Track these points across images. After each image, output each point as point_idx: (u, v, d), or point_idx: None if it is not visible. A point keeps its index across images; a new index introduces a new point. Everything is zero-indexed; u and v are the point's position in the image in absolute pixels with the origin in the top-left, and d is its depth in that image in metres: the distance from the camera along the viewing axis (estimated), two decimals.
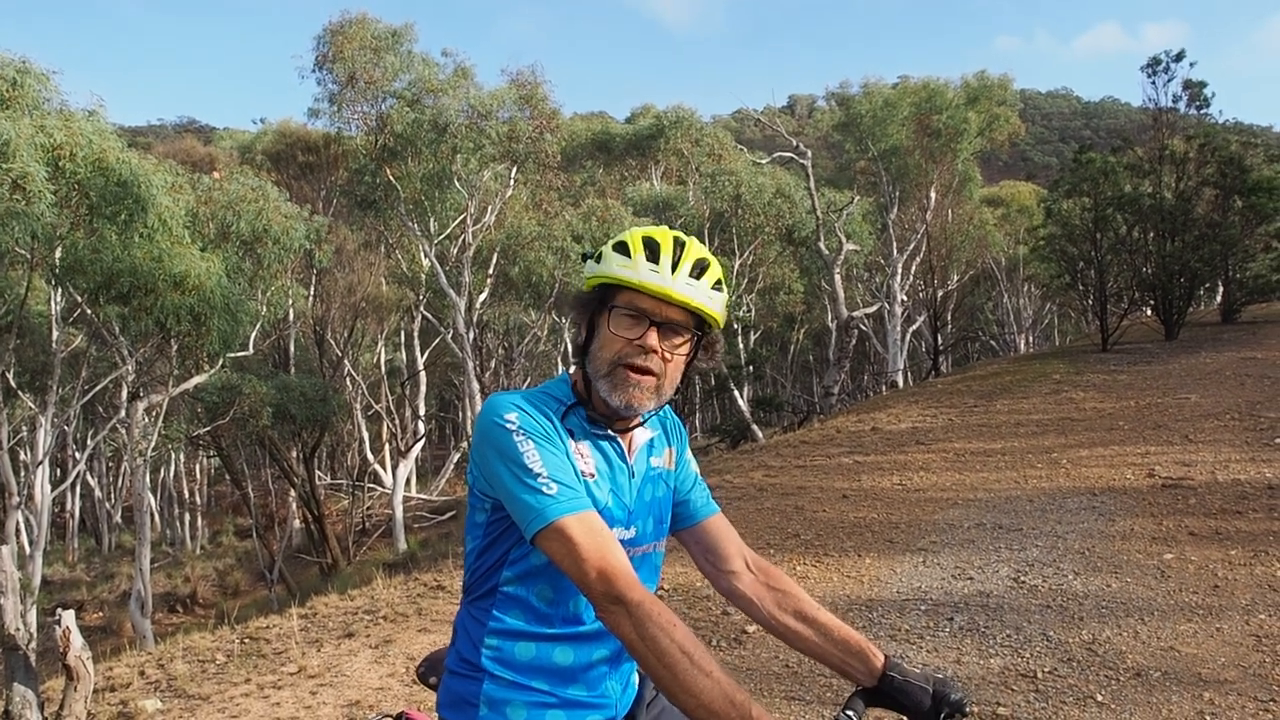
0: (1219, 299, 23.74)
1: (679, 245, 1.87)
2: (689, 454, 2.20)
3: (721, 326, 1.95)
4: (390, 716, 2.55)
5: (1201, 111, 20.30)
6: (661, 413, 2.13)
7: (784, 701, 4.90)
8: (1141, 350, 18.36)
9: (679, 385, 1.95)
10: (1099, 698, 4.59)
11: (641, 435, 2.02)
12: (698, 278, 1.85)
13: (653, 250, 1.85)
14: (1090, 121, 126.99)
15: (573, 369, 2.00)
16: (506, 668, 1.88)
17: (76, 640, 4.69)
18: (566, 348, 32.63)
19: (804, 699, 4.85)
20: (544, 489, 1.75)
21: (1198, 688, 4.60)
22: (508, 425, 1.81)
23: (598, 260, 1.91)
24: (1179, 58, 20.12)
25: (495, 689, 1.87)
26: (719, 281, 1.90)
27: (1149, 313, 21.23)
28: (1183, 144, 20.00)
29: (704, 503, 2.15)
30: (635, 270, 1.83)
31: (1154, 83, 20.42)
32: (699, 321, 1.90)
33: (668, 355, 1.86)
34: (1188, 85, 20.28)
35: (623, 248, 1.87)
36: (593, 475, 1.89)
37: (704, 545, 2.12)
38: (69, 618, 4.73)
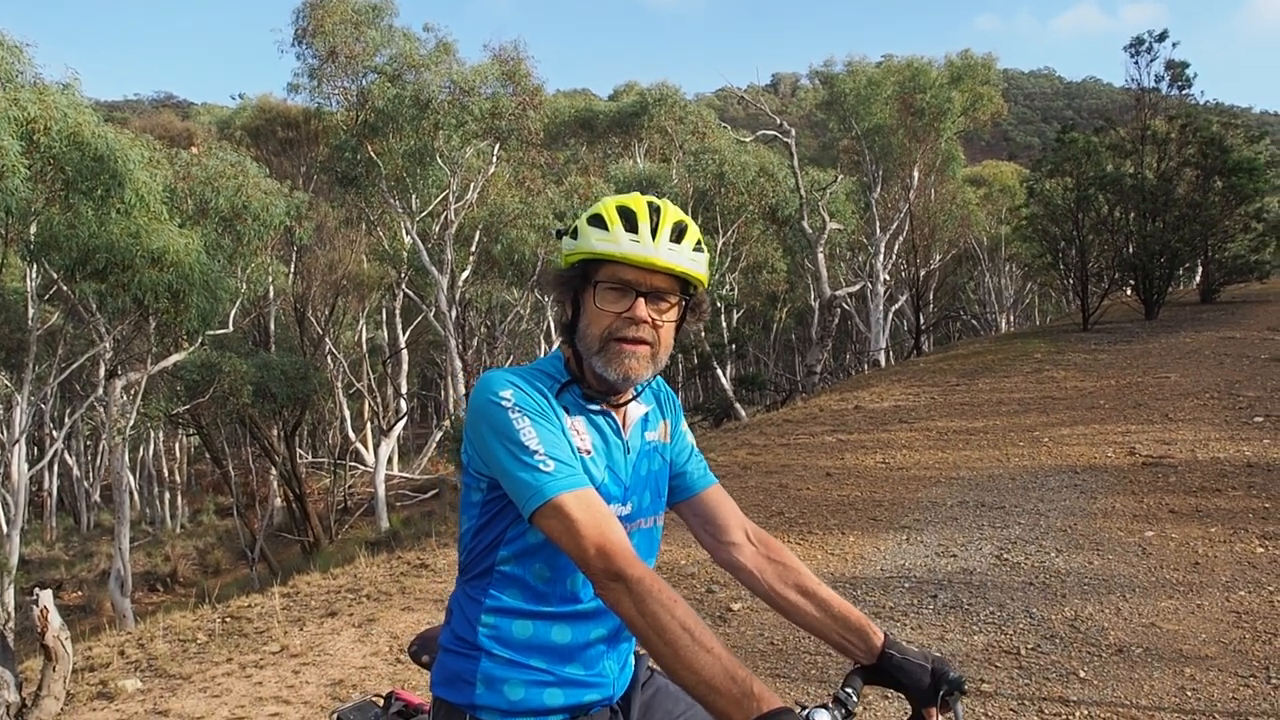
0: (1198, 279, 23.86)
1: (655, 211, 1.83)
2: (684, 426, 2.17)
3: (706, 286, 1.93)
4: (379, 696, 2.53)
5: (1183, 92, 20.31)
6: (655, 385, 2.11)
7: (769, 679, 4.90)
8: (1122, 330, 18.45)
9: (672, 350, 1.93)
10: (1081, 674, 4.61)
11: (636, 410, 2.00)
12: (678, 241, 1.82)
13: (629, 219, 1.81)
14: (1072, 102, 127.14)
15: (563, 346, 1.97)
16: (504, 646, 1.86)
17: (55, 620, 4.64)
18: (549, 326, 32.53)
19: (789, 676, 4.85)
20: (541, 466, 1.73)
21: (1179, 664, 4.63)
22: (503, 403, 1.79)
23: (574, 236, 1.87)
24: (1162, 38, 20.11)
25: (493, 666, 1.85)
26: (699, 242, 1.87)
27: (1129, 292, 21.31)
28: (1164, 124, 20.04)
29: (701, 474, 2.13)
30: (615, 242, 1.80)
31: (1136, 63, 20.40)
32: (684, 285, 1.88)
33: (659, 323, 1.84)
34: (1170, 66, 20.28)
35: (598, 220, 1.84)
36: (589, 452, 1.86)
37: (703, 517, 2.10)
38: (46, 597, 4.67)
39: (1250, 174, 19.17)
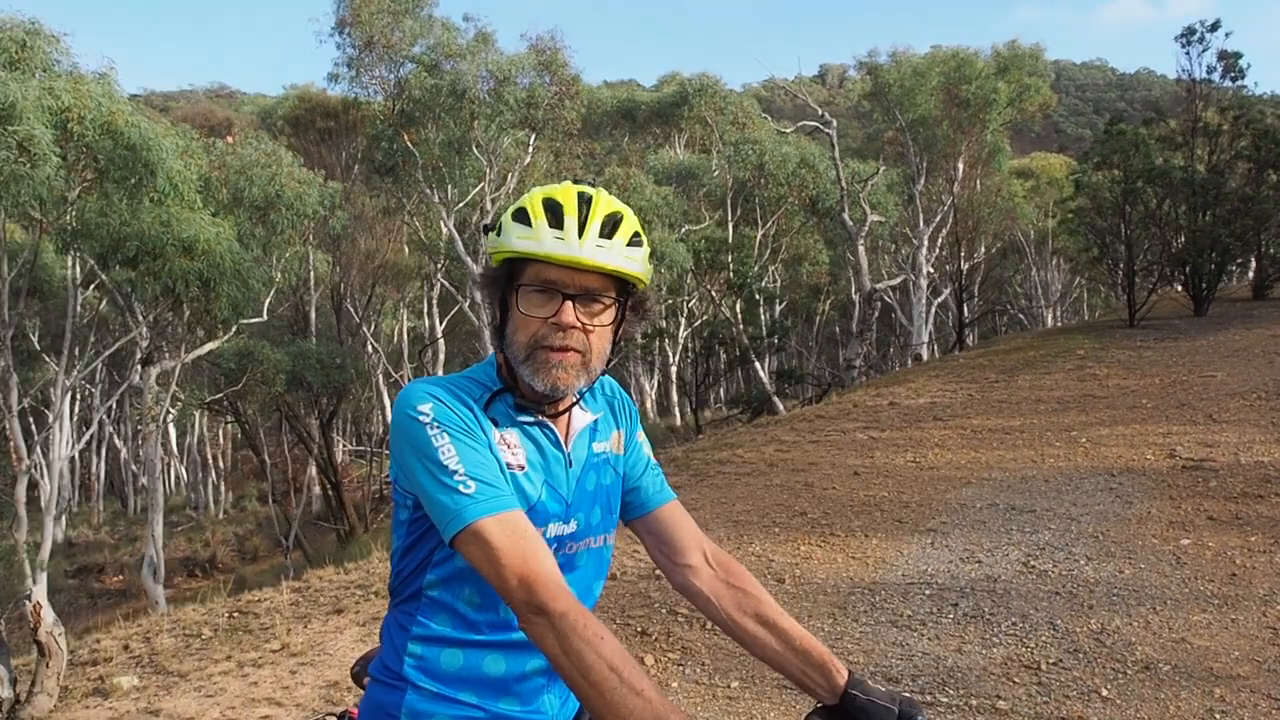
0: (1250, 274, 23.21)
1: (585, 202, 1.66)
2: (641, 436, 2.00)
3: (646, 284, 1.75)
4: (333, 715, 2.42)
5: (1236, 83, 19.71)
6: (609, 392, 1.95)
7: (775, 690, 4.74)
8: (1169, 326, 17.96)
9: (609, 356, 1.76)
10: (1104, 692, 4.40)
11: (581, 418, 1.83)
12: (609, 236, 1.65)
13: (555, 213, 1.64)
14: (1125, 94, 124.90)
15: (497, 352, 1.81)
16: (431, 678, 1.71)
17: (48, 616, 4.59)
18: None
19: (794, 688, 4.68)
20: (460, 488, 1.58)
21: (1208, 683, 4.40)
22: (420, 418, 1.64)
23: (498, 232, 1.70)
24: (1214, 28, 19.52)
25: (418, 700, 1.71)
26: (636, 234, 1.70)
27: (1178, 288, 20.76)
28: (1216, 116, 19.47)
29: (657, 490, 1.95)
30: (538, 239, 1.63)
31: (1188, 53, 19.81)
32: (620, 284, 1.71)
33: (589, 328, 1.67)
34: (1222, 56, 19.67)
35: (522, 215, 1.66)
36: (522, 467, 1.71)
37: (658, 536, 1.93)
38: (39, 593, 4.63)
39: None
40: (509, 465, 1.69)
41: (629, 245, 1.68)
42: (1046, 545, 6.58)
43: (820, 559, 6.77)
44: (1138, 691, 4.38)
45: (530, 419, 1.75)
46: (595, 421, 1.87)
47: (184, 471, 39.33)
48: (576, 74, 21.93)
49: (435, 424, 1.63)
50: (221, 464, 39.12)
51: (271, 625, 5.80)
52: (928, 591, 5.91)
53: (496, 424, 1.72)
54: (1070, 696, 4.39)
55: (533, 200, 1.68)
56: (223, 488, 37.69)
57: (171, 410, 17.03)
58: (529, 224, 1.65)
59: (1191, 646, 4.81)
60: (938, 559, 6.53)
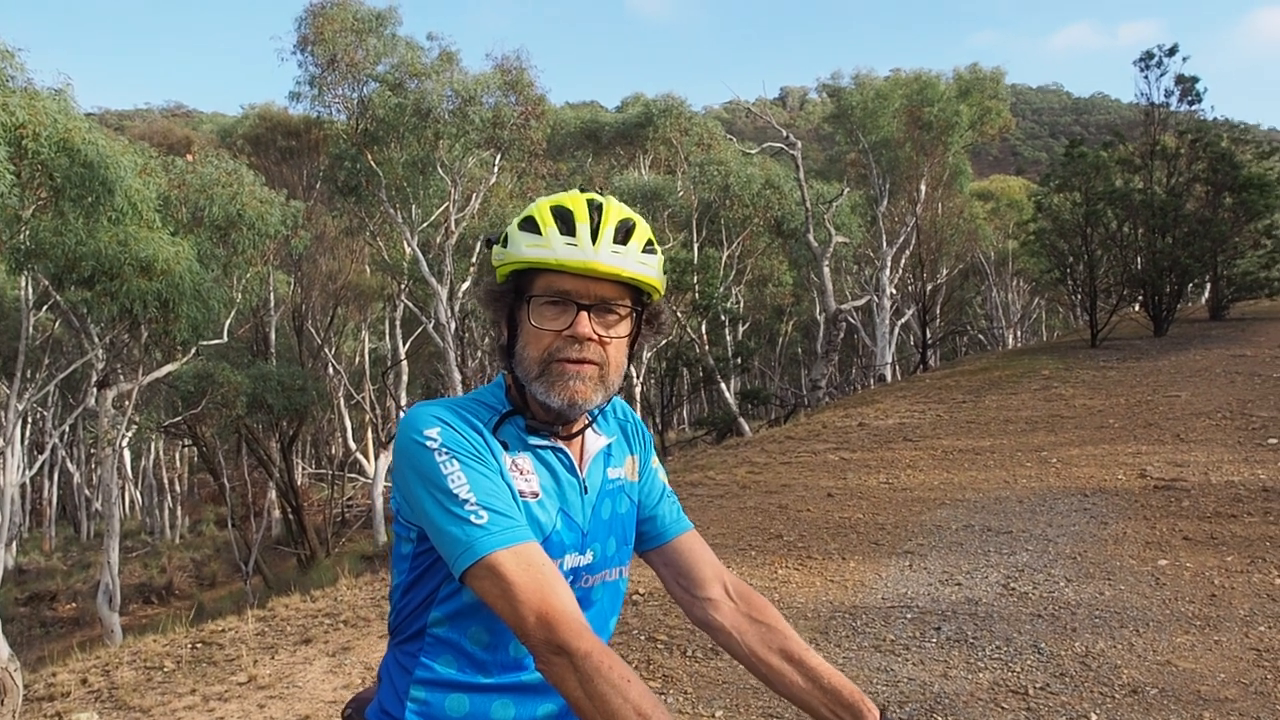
0: (1205, 295, 23.57)
1: (595, 209, 1.57)
2: (655, 462, 1.89)
3: (662, 293, 1.67)
4: None
5: (1194, 107, 20.03)
6: (621, 415, 1.84)
7: (761, 718, 4.62)
8: (1131, 346, 18.15)
9: (625, 370, 1.66)
10: (1093, 717, 4.33)
11: (595, 442, 1.73)
12: (624, 242, 1.56)
13: (565, 220, 1.55)
14: (1080, 117, 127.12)
15: (505, 372, 1.70)
16: None
17: (2, 651, 4.39)
18: None
19: (783, 716, 4.57)
20: (472, 518, 1.47)
21: (1196, 706, 4.35)
22: (428, 443, 1.53)
23: (504, 244, 1.61)
24: (1172, 52, 19.84)
25: None
26: (650, 242, 1.61)
27: (1136, 308, 21.01)
28: (1174, 139, 19.77)
29: (674, 518, 1.85)
30: (550, 247, 1.54)
31: (1146, 77, 20.12)
32: (635, 293, 1.62)
33: (606, 339, 1.58)
34: (1180, 80, 19.99)
35: (530, 224, 1.57)
36: (536, 494, 1.60)
37: (675, 568, 1.82)
38: None
39: (1261, 190, 18.90)
40: (522, 493, 1.58)
41: (644, 252, 1.59)
42: (1025, 567, 6.53)
43: (799, 582, 6.68)
44: (1127, 716, 4.32)
45: (543, 442, 1.65)
46: (609, 445, 1.77)
47: (139, 495, 38.60)
48: (542, 94, 21.89)
49: (444, 449, 1.52)
50: (178, 488, 38.47)
51: (237, 656, 5.60)
52: (909, 615, 5.83)
53: (507, 448, 1.61)
54: None
55: (540, 209, 1.58)
56: (179, 512, 37.02)
57: (127, 434, 16.67)
58: (539, 232, 1.56)
59: (1177, 669, 4.76)
60: (917, 581, 6.46)
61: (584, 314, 1.55)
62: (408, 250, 23.10)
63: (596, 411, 1.71)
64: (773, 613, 1.78)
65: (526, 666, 1.61)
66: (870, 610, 5.98)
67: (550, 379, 1.56)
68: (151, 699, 5.01)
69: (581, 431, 1.70)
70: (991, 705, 4.54)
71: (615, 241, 1.55)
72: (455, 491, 1.48)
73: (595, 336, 1.56)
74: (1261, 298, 21.56)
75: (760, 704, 4.71)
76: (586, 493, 1.68)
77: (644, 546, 1.84)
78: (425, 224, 22.66)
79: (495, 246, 1.63)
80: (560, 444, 1.66)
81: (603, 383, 1.60)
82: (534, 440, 1.64)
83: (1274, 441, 9.62)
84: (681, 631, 5.77)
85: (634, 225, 1.59)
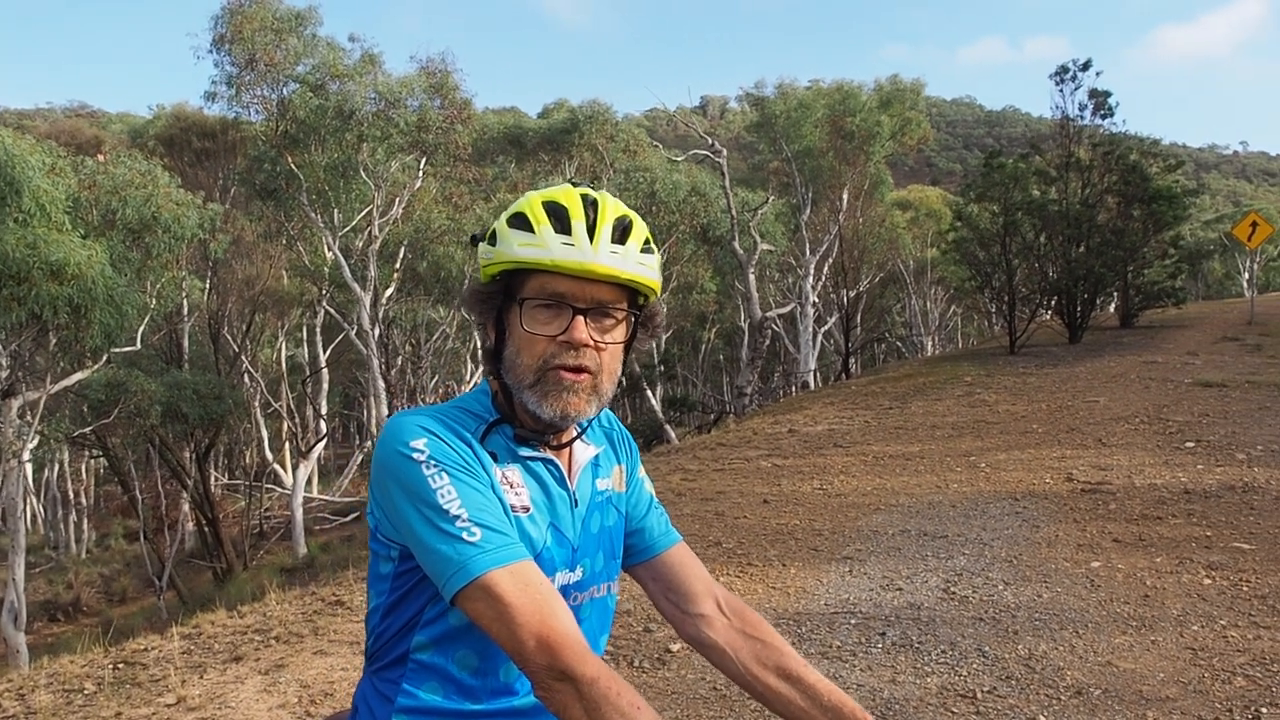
0: (1114, 304, 24.29)
1: (591, 205, 1.48)
2: (642, 472, 1.81)
3: (660, 295, 1.58)
4: None
5: (1107, 120, 20.65)
6: (607, 424, 1.75)
7: None
8: (1048, 353, 18.59)
9: (620, 377, 1.58)
10: (1042, 719, 4.35)
11: (583, 453, 1.64)
12: (621, 242, 1.48)
13: (560, 217, 1.46)
14: (993, 130, 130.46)
15: (490, 377, 1.60)
16: None
17: None
18: (476, 345, 31.97)
19: None
20: (465, 535, 1.37)
21: (1140, 707, 4.40)
22: (415, 455, 1.42)
23: (492, 241, 1.50)
24: (1086, 66, 20.43)
25: None
26: (648, 240, 1.53)
27: (1048, 315, 21.55)
28: (1088, 152, 20.36)
29: (663, 531, 1.77)
30: (545, 247, 1.44)
31: (1061, 90, 20.70)
32: (632, 295, 1.53)
33: (602, 345, 1.49)
34: (1093, 94, 20.60)
35: (521, 221, 1.47)
36: (527, 509, 1.50)
37: (665, 583, 1.73)
38: None
39: (1170, 202, 19.58)
40: (512, 507, 1.49)
41: (642, 252, 1.50)
42: (964, 571, 6.59)
43: (741, 590, 6.64)
44: (1074, 717, 4.35)
45: (533, 453, 1.55)
46: (597, 456, 1.68)
47: (41, 509, 37.19)
48: (468, 98, 21.69)
49: (432, 462, 1.42)
50: (84, 500, 37.12)
51: (163, 677, 5.35)
52: (853, 621, 5.83)
53: (496, 459, 1.51)
54: None
55: (532, 204, 1.48)
56: (85, 525, 35.73)
57: (30, 445, 16.01)
58: (531, 230, 1.46)
59: (1118, 670, 4.82)
60: (858, 587, 6.47)
61: (580, 318, 1.46)
62: (329, 255, 22.68)
63: (587, 421, 1.62)
64: (767, 628, 1.70)
65: (518, 691, 1.52)
66: (814, 617, 5.96)
67: (544, 389, 1.47)
68: None
69: (571, 442, 1.61)
70: (941, 710, 4.54)
71: (613, 240, 1.47)
72: (445, 507, 1.39)
73: (591, 342, 1.47)
74: (1168, 306, 22.28)
75: (712, 713, 4.65)
76: (577, 506, 1.59)
77: (631, 560, 1.75)
78: (347, 228, 22.28)
79: (481, 244, 1.53)
80: (551, 455, 1.58)
81: (596, 393, 1.51)
82: (524, 451, 1.55)
83: (1191, 445, 9.90)
84: (627, 641, 5.68)
85: (631, 223, 1.51)
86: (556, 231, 1.45)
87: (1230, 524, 7.22)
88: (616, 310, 1.51)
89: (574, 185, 1.54)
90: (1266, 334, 19.30)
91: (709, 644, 1.69)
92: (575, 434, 1.62)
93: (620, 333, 1.53)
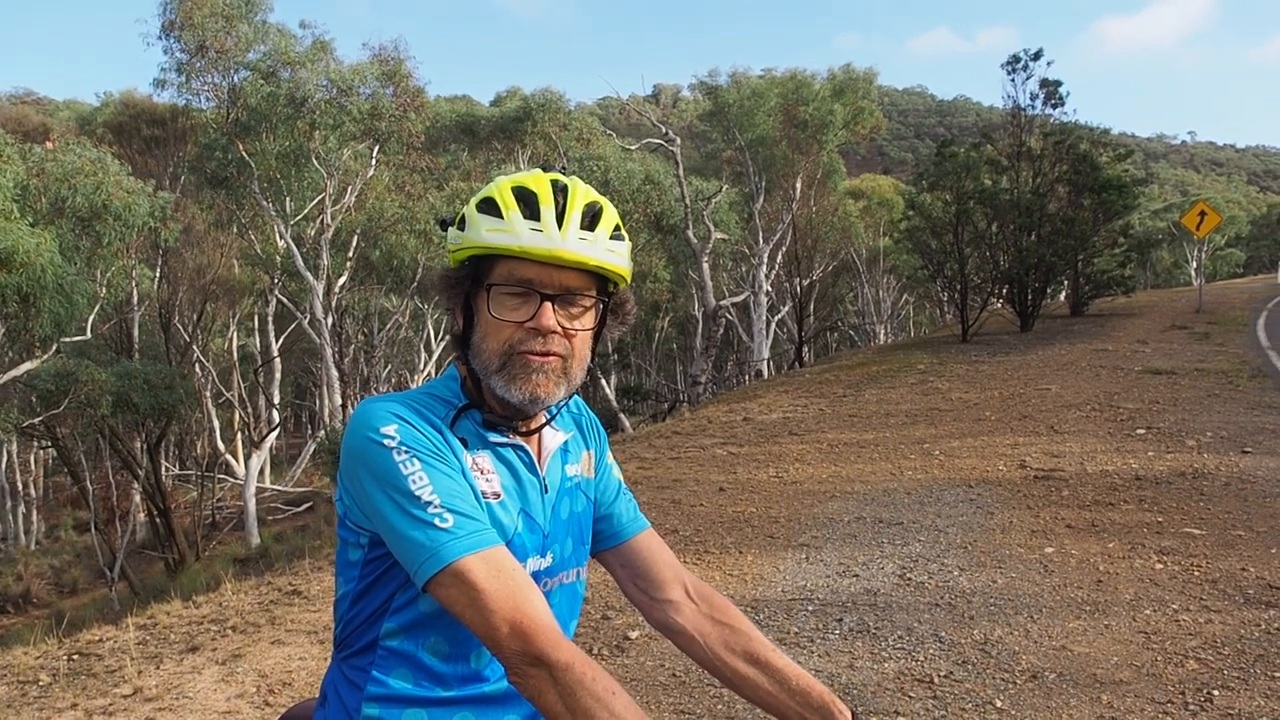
0: (1065, 293, 24.70)
1: (560, 191, 1.48)
2: (610, 458, 1.81)
3: (629, 281, 1.59)
4: None
5: (1058, 110, 20.94)
6: (576, 410, 1.76)
7: (672, 715, 4.60)
8: (1000, 341, 18.86)
9: (589, 363, 1.59)
10: (998, 703, 4.44)
11: (553, 438, 1.64)
12: (591, 228, 1.48)
13: (529, 203, 1.46)
14: (944, 119, 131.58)
15: (459, 363, 1.61)
16: None
17: None
18: (429, 334, 31.79)
19: (694, 712, 4.56)
20: (437, 521, 1.37)
21: (1094, 689, 4.50)
22: (386, 441, 1.42)
23: (460, 226, 1.50)
24: (1037, 56, 20.69)
25: None
26: (618, 227, 1.54)
27: (999, 303, 21.86)
28: (1039, 142, 20.64)
29: (632, 517, 1.77)
30: (513, 232, 1.44)
31: (1013, 80, 20.94)
32: (601, 282, 1.54)
33: (571, 331, 1.50)
34: (1044, 84, 20.87)
35: (490, 205, 1.47)
36: (498, 495, 1.51)
37: (633, 569, 1.74)
38: None
39: (1119, 191, 19.90)
40: (483, 493, 1.49)
41: (612, 238, 1.51)
42: (919, 557, 6.68)
43: (699, 577, 6.67)
44: (1029, 701, 4.44)
45: (503, 439, 1.56)
46: (566, 441, 1.68)
47: None
48: (421, 86, 21.51)
49: (403, 448, 1.42)
50: (33, 491, 36.40)
51: (119, 667, 5.29)
52: (810, 607, 5.89)
53: (467, 445, 1.51)
54: (966, 709, 4.41)
55: (501, 189, 1.49)
56: (34, 516, 35.06)
57: None
58: (500, 215, 1.46)
59: (1072, 654, 4.92)
60: (815, 574, 6.54)
61: (547, 305, 1.47)
62: (281, 244, 22.42)
63: (557, 407, 1.64)
64: (735, 614, 1.71)
65: (488, 677, 1.53)
66: (772, 603, 6.02)
67: (511, 372, 1.48)
68: (28, 715, 4.70)
69: (541, 428, 1.62)
70: (899, 694, 4.61)
71: (582, 227, 1.47)
72: (417, 493, 1.39)
73: (559, 329, 1.48)
74: (1118, 295, 22.69)
75: (671, 700, 4.69)
76: (547, 492, 1.60)
77: (599, 546, 1.76)
78: (299, 217, 22.05)
79: (450, 229, 1.53)
80: (520, 441, 1.59)
81: (565, 377, 1.52)
82: (493, 437, 1.55)
83: (1142, 432, 10.10)
84: (585, 629, 5.70)
85: (601, 209, 1.51)
86: (525, 217, 1.45)
87: (1181, 509, 7.39)
88: (585, 297, 1.51)
89: (545, 170, 1.54)
90: (1214, 322, 19.73)
91: (677, 630, 1.70)
92: (545, 420, 1.62)
93: (589, 319, 1.54)
